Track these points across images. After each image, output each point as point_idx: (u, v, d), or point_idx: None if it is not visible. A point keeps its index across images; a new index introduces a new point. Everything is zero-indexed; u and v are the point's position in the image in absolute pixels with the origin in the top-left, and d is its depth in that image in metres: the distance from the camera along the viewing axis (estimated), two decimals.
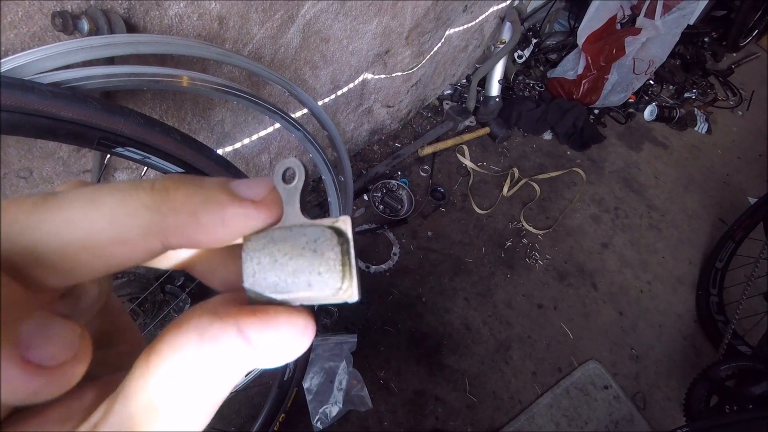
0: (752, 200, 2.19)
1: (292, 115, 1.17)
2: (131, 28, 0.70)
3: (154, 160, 0.62)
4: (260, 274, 0.15)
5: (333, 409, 1.13)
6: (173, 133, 0.63)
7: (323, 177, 1.00)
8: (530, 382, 1.37)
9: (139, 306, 1.16)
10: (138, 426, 0.12)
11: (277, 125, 1.19)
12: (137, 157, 0.61)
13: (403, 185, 1.68)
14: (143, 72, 0.63)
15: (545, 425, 1.29)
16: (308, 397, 1.14)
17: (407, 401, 1.24)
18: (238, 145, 1.13)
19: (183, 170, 0.64)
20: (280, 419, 0.98)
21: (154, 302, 1.19)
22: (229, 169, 0.67)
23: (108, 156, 0.76)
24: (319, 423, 1.12)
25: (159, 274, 1.24)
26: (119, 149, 0.60)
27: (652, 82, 2.52)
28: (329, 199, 1.05)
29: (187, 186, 0.14)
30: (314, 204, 1.55)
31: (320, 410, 1.13)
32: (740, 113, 2.79)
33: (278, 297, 0.15)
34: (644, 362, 1.51)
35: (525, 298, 1.54)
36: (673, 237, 1.92)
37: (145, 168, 0.80)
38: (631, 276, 1.73)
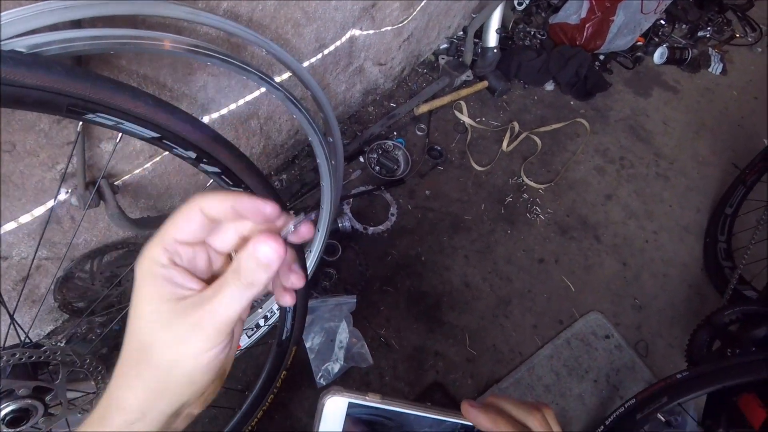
0: None
1: (277, 78, 1.15)
2: None
3: (128, 125, 0.61)
4: None
5: (335, 366, 1.17)
6: (144, 97, 0.62)
7: (311, 139, 0.99)
8: (530, 335, 1.38)
9: None
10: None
11: (263, 89, 1.16)
12: (109, 122, 0.61)
13: (399, 145, 1.66)
14: (108, 35, 0.61)
15: (545, 375, 1.31)
16: (311, 356, 1.18)
17: (407, 357, 1.27)
18: (224, 111, 1.11)
19: (158, 135, 0.63)
20: (282, 376, 1.02)
21: None
22: (204, 131, 0.66)
23: (80, 124, 0.75)
24: (321, 379, 1.16)
25: None
26: (90, 115, 0.59)
27: (662, 21, 2.38)
28: (318, 161, 1.04)
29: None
30: (309, 168, 1.54)
31: (322, 367, 1.17)
32: (759, 50, 2.63)
33: None
34: (647, 311, 1.51)
35: (525, 254, 1.54)
36: (681, 185, 1.87)
37: (120, 135, 0.80)
38: (636, 227, 1.70)
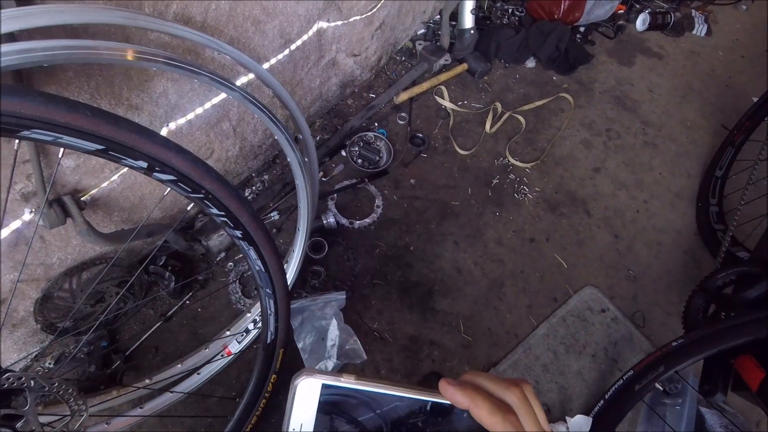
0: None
1: (244, 79, 1.12)
2: (26, 0, 0.66)
3: (68, 139, 0.59)
4: None
5: (329, 364, 1.16)
6: (82, 109, 0.60)
7: (276, 137, 0.97)
8: (525, 315, 1.37)
9: (128, 290, 1.18)
10: None
11: None
12: (47, 138, 0.59)
13: (381, 136, 1.63)
14: (39, 47, 0.59)
15: (542, 355, 1.30)
16: (304, 356, 1.17)
17: (402, 348, 1.26)
18: (191, 115, 1.09)
19: (102, 147, 0.61)
20: (272, 380, 1.01)
21: (141, 284, 1.21)
22: (152, 138, 0.64)
23: (18, 142, 0.74)
24: None
25: (141, 257, 1.26)
26: (25, 132, 0.57)
27: None
28: (288, 159, 1.02)
29: None
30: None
31: (316, 367, 1.16)
32: (744, 8, 2.58)
33: None
34: (642, 282, 1.49)
35: (516, 234, 1.52)
36: (670, 152, 1.84)
37: (62, 150, 0.78)
38: (626, 197, 1.68)
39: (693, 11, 2.42)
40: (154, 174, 0.66)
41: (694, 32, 2.36)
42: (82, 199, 0.92)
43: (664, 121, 1.94)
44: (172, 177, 0.68)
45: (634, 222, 1.61)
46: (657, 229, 1.61)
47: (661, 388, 1.24)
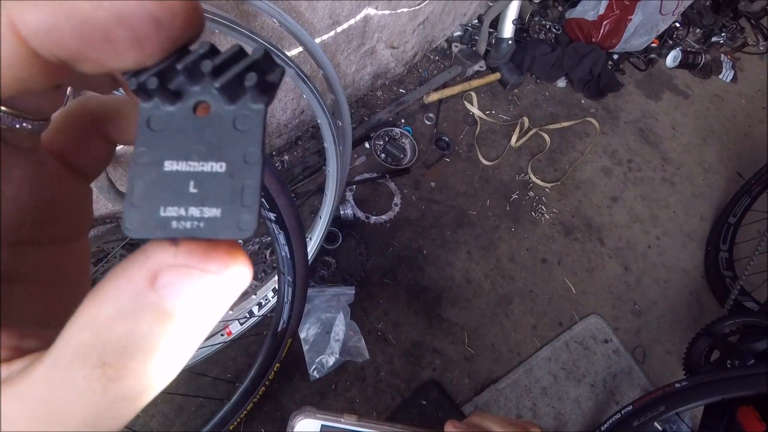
0: None
1: (287, 53, 1.08)
2: None
3: None
4: None
5: (329, 359, 1.13)
6: None
7: (319, 121, 0.93)
8: (530, 335, 1.36)
9: None
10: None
11: None
12: None
13: (407, 133, 1.60)
14: None
15: (543, 377, 1.29)
16: (305, 347, 1.14)
17: (405, 352, 1.24)
18: None
19: None
20: (275, 368, 0.98)
21: None
22: None
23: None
24: (315, 372, 1.12)
25: None
26: None
27: (678, 24, 2.33)
28: (325, 145, 0.98)
29: None
30: (313, 151, 1.48)
31: (317, 360, 1.13)
32: None
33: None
34: (647, 317, 1.49)
35: (529, 252, 1.50)
36: (686, 191, 1.85)
37: None
38: (640, 231, 1.68)
39: (722, 56, 2.43)
40: None
41: (720, 76, 2.37)
42: None
43: (684, 160, 1.94)
44: None
45: (644, 256, 1.61)
46: (666, 266, 1.62)
47: (660, 428, 1.24)
